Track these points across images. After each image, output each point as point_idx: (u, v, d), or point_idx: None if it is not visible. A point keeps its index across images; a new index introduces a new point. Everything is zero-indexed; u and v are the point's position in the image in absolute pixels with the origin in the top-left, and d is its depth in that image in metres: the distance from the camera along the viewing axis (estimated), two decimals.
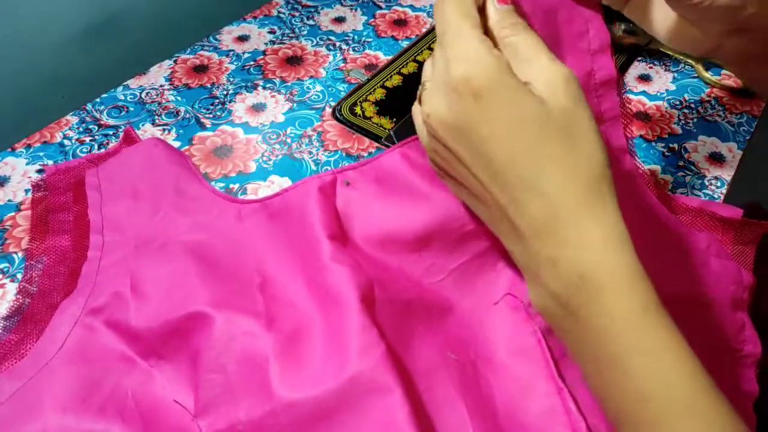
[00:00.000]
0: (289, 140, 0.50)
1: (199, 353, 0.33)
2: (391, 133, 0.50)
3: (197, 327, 0.34)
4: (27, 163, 0.47)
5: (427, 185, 0.36)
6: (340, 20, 0.64)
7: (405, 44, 0.61)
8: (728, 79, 0.57)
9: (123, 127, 0.50)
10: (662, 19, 0.33)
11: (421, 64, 0.58)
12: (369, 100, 0.53)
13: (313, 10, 0.66)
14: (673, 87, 0.56)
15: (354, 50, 0.60)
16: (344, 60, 0.59)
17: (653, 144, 0.50)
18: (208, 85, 0.55)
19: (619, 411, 0.25)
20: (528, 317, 0.33)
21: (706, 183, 0.47)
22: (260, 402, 0.31)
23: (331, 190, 0.39)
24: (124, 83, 0.55)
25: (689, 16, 0.32)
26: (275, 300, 0.36)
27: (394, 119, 0.51)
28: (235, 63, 0.58)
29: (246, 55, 0.59)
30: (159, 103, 0.53)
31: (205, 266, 0.37)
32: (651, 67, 0.58)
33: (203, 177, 0.45)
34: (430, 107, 0.26)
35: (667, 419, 0.23)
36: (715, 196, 0.46)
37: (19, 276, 0.39)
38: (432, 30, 0.63)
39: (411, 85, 0.55)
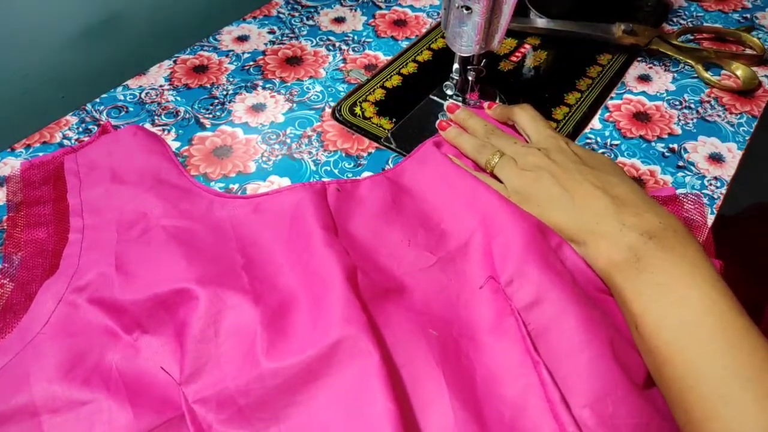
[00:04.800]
0: (288, 140, 0.50)
1: (186, 325, 0.34)
2: (390, 133, 0.50)
3: (184, 301, 0.35)
4: None
5: (408, 198, 0.42)
6: (339, 20, 0.64)
7: (405, 44, 0.61)
8: (728, 79, 0.57)
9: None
10: None
11: (420, 65, 0.58)
12: (369, 101, 0.53)
13: (312, 10, 0.66)
14: (672, 87, 0.56)
15: (354, 50, 0.60)
16: (344, 60, 0.59)
17: (653, 144, 0.50)
18: (208, 86, 0.55)
19: None
20: (506, 297, 0.35)
21: (706, 183, 0.47)
22: (247, 369, 0.32)
23: (323, 192, 0.42)
24: (124, 83, 0.55)
25: None
26: (260, 280, 0.37)
27: (394, 119, 0.51)
28: (235, 63, 0.58)
29: (246, 56, 0.59)
30: (159, 104, 0.53)
31: (188, 249, 0.37)
32: (651, 68, 0.58)
33: (184, 167, 0.45)
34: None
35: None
36: (715, 196, 0.46)
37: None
38: (431, 30, 0.63)
39: (411, 86, 0.55)
